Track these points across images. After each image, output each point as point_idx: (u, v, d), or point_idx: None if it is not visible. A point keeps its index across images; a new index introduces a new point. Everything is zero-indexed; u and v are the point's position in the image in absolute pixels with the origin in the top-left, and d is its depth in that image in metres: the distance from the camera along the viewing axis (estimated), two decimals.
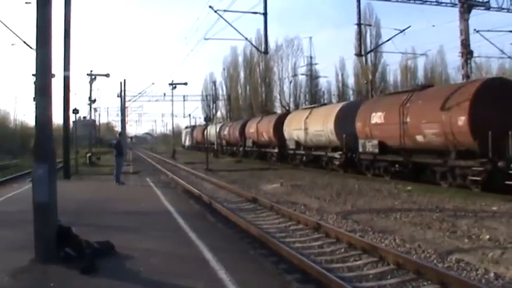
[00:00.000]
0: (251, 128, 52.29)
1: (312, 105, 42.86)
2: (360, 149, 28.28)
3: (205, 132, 67.93)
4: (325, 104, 41.89)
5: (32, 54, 25.31)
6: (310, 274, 9.33)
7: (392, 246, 11.66)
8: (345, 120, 30.84)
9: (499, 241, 11.40)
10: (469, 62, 29.38)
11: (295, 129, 39.15)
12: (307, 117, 36.82)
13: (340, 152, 31.57)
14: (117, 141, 26.75)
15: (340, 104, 35.28)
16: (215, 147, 65.71)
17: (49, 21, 9.11)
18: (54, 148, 9.25)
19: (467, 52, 29.12)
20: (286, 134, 41.43)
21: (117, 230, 11.61)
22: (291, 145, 40.29)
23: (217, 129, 69.28)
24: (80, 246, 9.00)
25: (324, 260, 10.76)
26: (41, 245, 8.76)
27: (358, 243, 11.58)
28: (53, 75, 9.67)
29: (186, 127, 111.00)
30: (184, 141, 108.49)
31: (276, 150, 45.04)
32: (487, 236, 11.86)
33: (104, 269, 8.29)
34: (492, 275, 9.03)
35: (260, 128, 49.18)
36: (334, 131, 32.03)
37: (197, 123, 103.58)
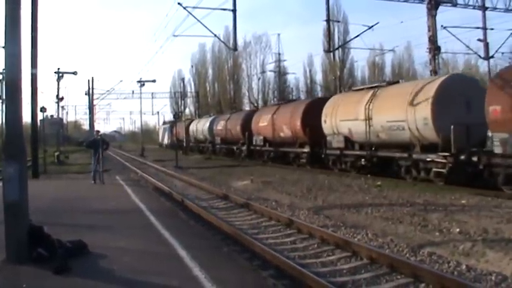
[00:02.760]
0: (262, 121, 40.64)
1: (376, 84, 28.62)
2: (497, 149, 18.17)
3: (191, 127, 65.55)
4: (396, 82, 27.78)
5: None
6: (284, 270, 9.36)
7: (364, 241, 11.77)
8: (450, 104, 21.02)
9: (469, 234, 11.53)
10: (436, 57, 29.73)
11: (345, 120, 27.70)
12: (370, 102, 25.39)
13: (444, 154, 20.45)
14: (93, 139, 26.04)
15: (440, 79, 22.62)
16: (184, 144, 64.49)
17: (18, 19, 8.97)
18: (25, 147, 9.12)
19: (434, 48, 29.50)
20: (326, 128, 29.98)
21: (89, 229, 11.48)
22: (337, 143, 28.85)
23: (208, 124, 58.57)
24: (53, 246, 8.88)
25: (297, 255, 10.82)
26: (12, 245, 8.62)
27: (330, 239, 11.65)
28: None
29: (164, 123, 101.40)
30: (162, 138, 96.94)
31: (307, 150, 33.01)
32: (457, 229, 11.99)
33: (77, 269, 8.19)
34: (464, 267, 9.17)
35: (277, 121, 37.06)
36: (431, 120, 21.13)
37: (166, 120, 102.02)
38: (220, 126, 53.21)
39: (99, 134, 25.88)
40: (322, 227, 13.15)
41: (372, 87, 27.36)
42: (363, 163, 26.68)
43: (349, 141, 27.92)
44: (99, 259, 8.89)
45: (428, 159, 21.51)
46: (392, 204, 16.26)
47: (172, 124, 74.72)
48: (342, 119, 27.97)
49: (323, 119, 30.16)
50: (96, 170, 23.97)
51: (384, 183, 21.81)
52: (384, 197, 18.01)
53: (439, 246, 10.71)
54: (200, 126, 62.46)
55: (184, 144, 64.38)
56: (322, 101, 32.04)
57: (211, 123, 57.18)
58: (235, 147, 48.31)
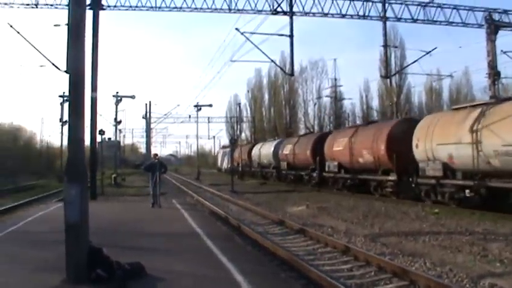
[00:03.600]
0: (336, 145, 35.67)
1: (484, 101, 24.47)
2: None
3: (253, 151, 62.47)
4: (509, 99, 22.99)
5: (59, 76, 25.53)
6: None
7: (422, 269, 11.54)
8: None
9: None
10: (496, 83, 29.17)
11: (443, 144, 23.14)
12: (477, 122, 21.17)
13: None
14: (151, 162, 25.97)
15: None
16: (240, 169, 64.09)
17: (82, 45, 9.20)
18: (86, 169, 9.30)
19: (494, 73, 28.92)
20: (418, 153, 25.36)
21: (146, 252, 11.61)
22: (432, 170, 24.10)
23: (273, 148, 53.17)
24: (111, 268, 9.01)
25: (354, 283, 10.70)
26: (72, 266, 8.77)
27: (388, 267, 11.48)
28: None
29: (224, 147, 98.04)
30: (221, 163, 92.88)
31: (393, 177, 28.10)
32: None
33: None
34: None
35: (356, 145, 32.47)
36: None
37: (222, 144, 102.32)
38: (286, 150, 47.90)
39: (157, 157, 26.05)
40: (379, 255, 12.98)
41: (478, 105, 23.03)
42: (467, 195, 21.88)
43: (448, 169, 23.26)
44: (157, 282, 8.96)
45: None
46: (451, 233, 15.94)
47: (233, 148, 71.18)
48: (440, 142, 23.44)
49: (414, 142, 25.62)
50: (154, 193, 24.14)
51: (441, 210, 21.38)
52: (442, 225, 17.68)
53: (500, 278, 10.44)
54: (264, 151, 57.51)
55: (240, 169, 63.85)
56: (410, 123, 28.32)
57: (277, 147, 51.92)
58: (304, 173, 43.11)
